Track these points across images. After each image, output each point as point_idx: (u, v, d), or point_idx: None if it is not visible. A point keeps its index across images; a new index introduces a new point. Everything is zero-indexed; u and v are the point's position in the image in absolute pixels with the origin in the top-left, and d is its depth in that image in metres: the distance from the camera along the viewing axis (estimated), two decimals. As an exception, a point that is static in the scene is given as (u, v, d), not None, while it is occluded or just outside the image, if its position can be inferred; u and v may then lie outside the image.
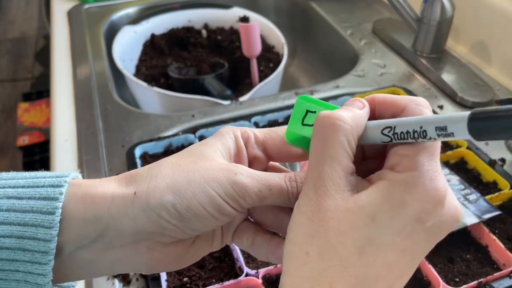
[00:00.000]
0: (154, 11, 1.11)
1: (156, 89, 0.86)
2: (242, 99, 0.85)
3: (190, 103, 0.85)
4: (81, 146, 0.74)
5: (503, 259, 0.56)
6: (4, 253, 0.29)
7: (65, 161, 0.72)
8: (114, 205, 0.30)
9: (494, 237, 0.56)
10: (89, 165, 0.70)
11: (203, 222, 0.30)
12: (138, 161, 0.69)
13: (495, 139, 0.24)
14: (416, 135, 0.26)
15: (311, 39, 1.20)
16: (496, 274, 0.54)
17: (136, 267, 0.32)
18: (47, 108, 2.25)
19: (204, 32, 1.13)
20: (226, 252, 0.57)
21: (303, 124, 0.32)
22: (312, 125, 0.30)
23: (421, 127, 0.26)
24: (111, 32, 1.06)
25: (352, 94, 0.82)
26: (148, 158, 0.70)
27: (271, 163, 0.35)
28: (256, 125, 0.76)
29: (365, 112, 0.29)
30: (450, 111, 0.82)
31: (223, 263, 0.56)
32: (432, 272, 0.53)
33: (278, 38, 1.03)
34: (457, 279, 0.54)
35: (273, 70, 0.96)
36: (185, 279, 0.54)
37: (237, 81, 1.06)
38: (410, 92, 0.84)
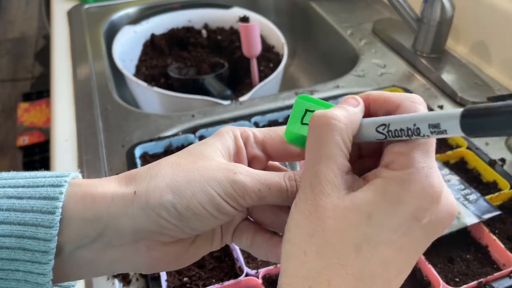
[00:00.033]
0: (154, 11, 1.11)
1: (156, 89, 0.86)
2: (242, 99, 0.85)
3: (190, 103, 0.85)
4: (81, 146, 0.74)
5: (503, 259, 0.56)
6: (4, 253, 0.29)
7: (65, 161, 0.72)
8: (114, 204, 0.30)
9: (494, 237, 0.56)
10: (89, 165, 0.70)
11: (202, 222, 0.30)
12: (138, 161, 0.69)
13: (488, 136, 0.24)
14: (409, 132, 0.26)
15: (311, 39, 1.20)
16: (496, 274, 0.54)
17: (136, 266, 0.32)
18: (47, 108, 2.25)
19: (204, 32, 1.13)
20: (226, 252, 0.57)
21: (302, 124, 0.32)
22: None
23: (414, 125, 0.26)
24: (111, 32, 1.06)
25: (352, 94, 0.82)
26: (148, 158, 0.70)
27: (271, 162, 0.35)
28: (256, 125, 0.76)
29: (359, 109, 0.29)
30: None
31: (223, 263, 0.56)
32: (432, 272, 0.53)
33: (278, 38, 1.03)
34: (457, 279, 0.54)
35: (273, 70, 0.96)
36: (185, 279, 0.54)
37: (237, 81, 1.06)
38: (410, 92, 0.84)
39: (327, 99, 0.81)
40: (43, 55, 2.68)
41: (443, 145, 0.73)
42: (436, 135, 0.25)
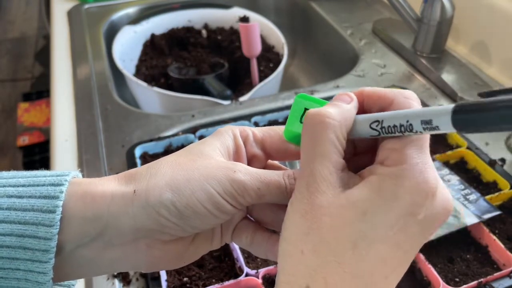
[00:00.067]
0: (154, 11, 1.11)
1: (156, 89, 0.86)
2: (242, 99, 0.85)
3: (190, 103, 0.85)
4: (81, 146, 0.74)
5: (503, 259, 0.56)
6: (4, 252, 0.29)
7: (65, 161, 0.72)
8: (114, 203, 0.30)
9: (494, 237, 0.56)
10: (89, 165, 0.70)
11: (202, 220, 0.30)
12: (138, 161, 0.69)
13: (479, 132, 0.24)
14: (402, 128, 0.26)
15: (311, 39, 1.20)
16: (496, 274, 0.54)
17: (136, 265, 0.32)
18: (47, 108, 2.25)
19: (204, 32, 1.13)
20: (226, 252, 0.57)
21: (301, 122, 0.32)
22: None
23: (407, 121, 0.26)
24: (111, 32, 1.06)
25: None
26: (148, 158, 0.70)
27: (270, 161, 0.35)
28: (256, 125, 0.76)
29: (352, 106, 0.29)
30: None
31: (223, 263, 0.56)
32: (432, 272, 0.53)
33: (278, 38, 1.03)
34: (457, 279, 0.54)
35: (273, 70, 0.97)
36: (185, 279, 0.54)
37: (237, 81, 1.06)
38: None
39: (327, 99, 0.81)
40: (43, 55, 2.68)
41: (443, 145, 0.73)
42: (429, 131, 0.25)
